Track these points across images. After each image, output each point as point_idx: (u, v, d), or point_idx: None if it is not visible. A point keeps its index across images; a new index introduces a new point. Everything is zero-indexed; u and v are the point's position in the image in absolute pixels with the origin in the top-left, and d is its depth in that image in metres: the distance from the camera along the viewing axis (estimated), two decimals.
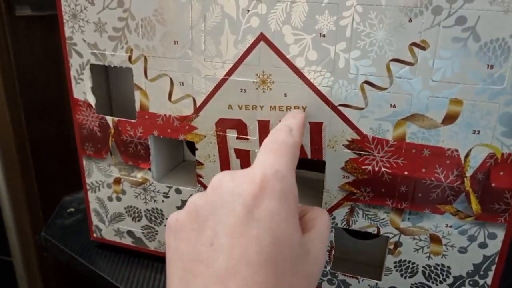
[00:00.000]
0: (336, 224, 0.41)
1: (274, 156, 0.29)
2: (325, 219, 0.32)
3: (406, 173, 0.37)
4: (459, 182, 0.36)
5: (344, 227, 0.41)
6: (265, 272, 0.25)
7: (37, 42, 0.79)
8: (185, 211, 0.29)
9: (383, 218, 0.39)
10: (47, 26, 0.78)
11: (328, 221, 0.32)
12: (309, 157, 0.39)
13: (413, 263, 0.40)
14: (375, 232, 0.40)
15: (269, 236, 0.26)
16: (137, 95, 0.43)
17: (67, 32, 0.44)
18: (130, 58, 0.42)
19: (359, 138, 0.37)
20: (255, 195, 0.27)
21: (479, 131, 0.34)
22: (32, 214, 0.91)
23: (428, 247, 0.39)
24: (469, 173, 0.35)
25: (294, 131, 0.33)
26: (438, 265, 0.40)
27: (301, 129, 0.34)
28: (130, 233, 0.51)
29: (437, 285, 0.40)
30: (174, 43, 0.40)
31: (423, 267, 0.40)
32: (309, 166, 0.50)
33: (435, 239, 0.39)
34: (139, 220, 0.49)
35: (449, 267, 0.39)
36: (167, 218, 0.47)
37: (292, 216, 0.28)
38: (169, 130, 0.43)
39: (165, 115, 0.42)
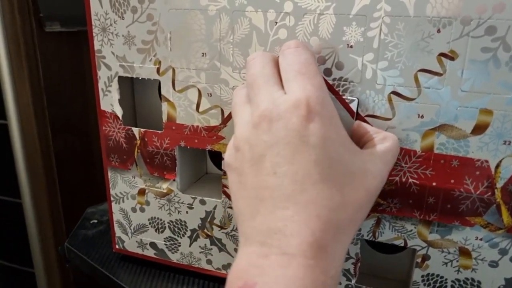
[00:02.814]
0: (362, 236, 0.40)
1: (309, 80, 0.31)
2: (393, 143, 0.34)
3: (434, 184, 0.37)
4: (490, 193, 0.35)
5: (371, 239, 0.40)
6: (328, 187, 0.29)
7: (65, 57, 0.81)
8: (240, 149, 0.32)
9: (411, 230, 0.39)
10: (75, 42, 0.80)
11: (396, 146, 0.35)
12: None
13: (442, 277, 0.40)
14: (402, 244, 0.40)
15: (326, 158, 0.29)
16: (165, 106, 0.44)
17: (96, 45, 0.45)
18: (158, 70, 0.43)
19: None
20: (306, 126, 0.29)
21: (510, 142, 0.34)
22: (55, 226, 0.91)
23: (457, 261, 0.38)
24: (499, 184, 0.35)
25: (303, 46, 0.34)
26: (468, 279, 0.39)
27: (307, 46, 0.35)
28: (153, 244, 0.51)
29: None
30: (203, 55, 0.40)
31: (452, 281, 0.39)
32: None
33: (464, 252, 0.38)
34: (162, 232, 0.49)
35: (479, 282, 0.38)
36: (190, 230, 0.47)
37: (341, 136, 0.31)
38: (196, 141, 0.43)
39: (192, 125, 0.43)
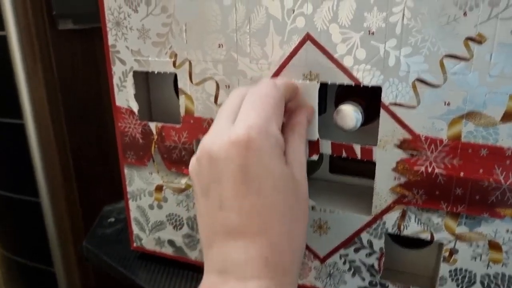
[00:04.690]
0: (387, 229, 0.39)
1: (256, 111, 0.31)
2: (296, 143, 0.34)
3: (462, 174, 0.35)
4: None
5: (396, 233, 0.39)
6: (274, 215, 0.30)
7: (78, 54, 0.81)
8: (192, 178, 0.33)
9: (437, 223, 0.38)
10: (88, 39, 0.80)
11: (300, 145, 0.34)
12: (359, 157, 0.38)
13: (470, 272, 0.38)
14: (428, 238, 0.38)
15: (269, 188, 0.30)
16: (182, 99, 0.43)
17: (111, 40, 0.44)
18: (174, 63, 0.42)
19: (411, 137, 0.36)
20: (246, 158, 0.29)
21: None
22: (74, 224, 0.92)
23: (487, 255, 0.37)
24: None
25: (279, 84, 0.34)
26: (498, 274, 0.37)
27: (288, 86, 0.36)
28: (171, 242, 0.50)
29: None
30: (219, 46, 0.39)
31: (482, 276, 0.38)
32: (354, 171, 0.49)
33: (494, 246, 0.36)
34: (180, 229, 0.49)
35: (510, 277, 0.37)
36: None
37: (282, 161, 0.31)
38: None
39: (211, 118, 0.42)
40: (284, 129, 0.35)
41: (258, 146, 0.30)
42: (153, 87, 0.50)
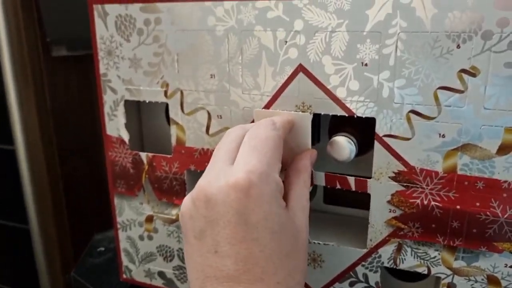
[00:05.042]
0: (383, 263, 0.38)
1: (257, 155, 0.30)
2: (300, 188, 0.33)
3: (458, 207, 0.34)
4: None
5: (392, 266, 0.38)
6: (272, 263, 0.29)
7: (72, 82, 0.80)
8: (183, 217, 0.31)
9: (434, 257, 0.37)
10: (82, 66, 0.79)
11: (303, 190, 0.33)
12: (353, 189, 0.37)
13: None
14: (426, 272, 0.37)
15: (268, 234, 0.29)
16: (173, 129, 0.42)
17: (102, 69, 0.44)
18: (166, 92, 0.41)
19: (406, 169, 0.35)
20: (246, 204, 0.28)
21: None
22: (63, 252, 0.90)
23: None
24: None
25: (278, 124, 0.33)
26: None
27: (286, 124, 0.35)
28: (161, 274, 0.49)
29: None
30: (211, 77, 0.39)
31: None
32: (349, 202, 0.48)
33: (493, 280, 0.35)
34: (171, 260, 0.47)
35: None
36: None
37: (281, 206, 0.30)
38: (206, 164, 0.42)
39: (202, 148, 0.41)
40: (288, 171, 0.35)
41: (259, 192, 0.29)
42: (144, 116, 0.50)
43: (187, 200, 0.31)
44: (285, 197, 0.32)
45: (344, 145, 0.36)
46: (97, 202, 0.88)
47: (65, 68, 0.79)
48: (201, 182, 0.30)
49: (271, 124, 0.33)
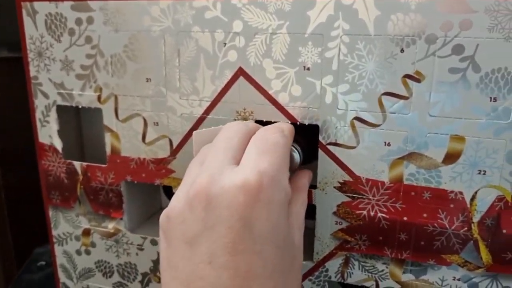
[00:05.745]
0: (330, 277, 0.36)
1: (269, 159, 0.26)
2: (299, 206, 0.30)
3: (405, 218, 0.33)
4: (466, 228, 0.32)
5: (339, 280, 0.36)
6: (272, 281, 0.25)
7: (13, 84, 0.75)
8: (171, 220, 0.26)
9: (382, 270, 0.35)
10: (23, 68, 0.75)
11: (301, 209, 0.30)
12: None
13: None
14: (374, 286, 0.36)
15: (272, 249, 0.25)
16: (108, 137, 0.39)
17: (32, 72, 0.40)
18: (99, 97, 0.38)
19: (351, 179, 0.33)
20: (253, 210, 0.25)
21: (485, 171, 0.31)
22: (5, 267, 0.84)
23: None
24: (476, 218, 0.31)
25: (286, 132, 0.30)
26: None
27: (292, 133, 0.31)
28: None
29: None
30: (147, 81, 0.36)
31: None
32: None
33: None
34: (110, 276, 0.44)
35: None
36: (141, 274, 0.42)
37: (288, 222, 0.27)
38: (143, 175, 0.39)
39: (139, 158, 0.39)
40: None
41: (269, 198, 0.25)
42: (85, 122, 0.47)
43: (178, 200, 0.27)
44: None
45: None
46: (41, 213, 0.83)
47: (5, 70, 0.74)
48: (200, 179, 0.26)
49: (280, 130, 0.29)
